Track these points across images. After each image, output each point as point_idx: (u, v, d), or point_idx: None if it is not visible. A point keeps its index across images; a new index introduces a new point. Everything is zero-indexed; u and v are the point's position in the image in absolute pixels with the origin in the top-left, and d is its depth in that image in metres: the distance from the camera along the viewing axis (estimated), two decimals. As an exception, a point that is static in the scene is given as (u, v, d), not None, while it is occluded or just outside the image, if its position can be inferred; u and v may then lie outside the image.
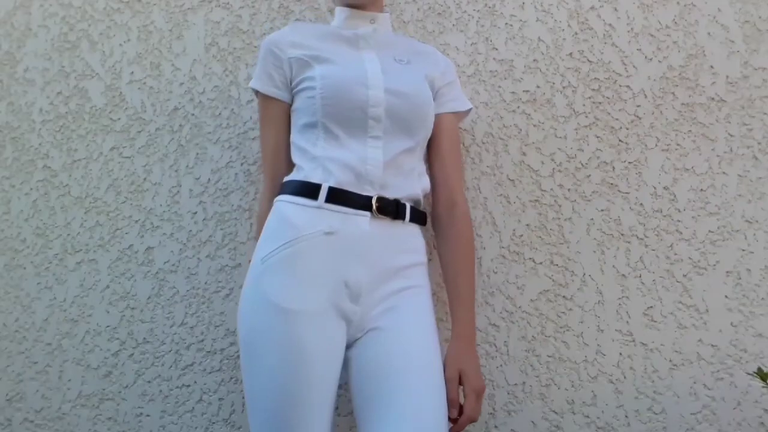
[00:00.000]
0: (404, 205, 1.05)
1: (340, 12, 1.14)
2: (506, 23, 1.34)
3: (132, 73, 1.46)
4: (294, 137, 1.08)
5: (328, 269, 0.97)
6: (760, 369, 1.04)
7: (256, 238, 1.06)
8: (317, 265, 0.96)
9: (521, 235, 1.28)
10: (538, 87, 1.32)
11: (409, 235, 1.06)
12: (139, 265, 1.38)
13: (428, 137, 1.12)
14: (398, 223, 1.04)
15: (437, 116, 1.12)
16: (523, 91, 1.32)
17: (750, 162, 1.25)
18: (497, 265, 1.27)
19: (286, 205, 1.02)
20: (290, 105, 1.10)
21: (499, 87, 1.33)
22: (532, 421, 1.22)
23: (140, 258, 1.39)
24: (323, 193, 0.99)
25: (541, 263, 1.27)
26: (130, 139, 1.43)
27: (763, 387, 1.10)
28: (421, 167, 1.11)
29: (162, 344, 1.35)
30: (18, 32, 1.52)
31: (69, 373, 1.37)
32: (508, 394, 1.23)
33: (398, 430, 0.88)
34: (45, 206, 1.44)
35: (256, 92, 1.13)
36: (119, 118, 1.45)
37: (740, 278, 1.22)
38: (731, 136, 1.26)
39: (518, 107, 1.32)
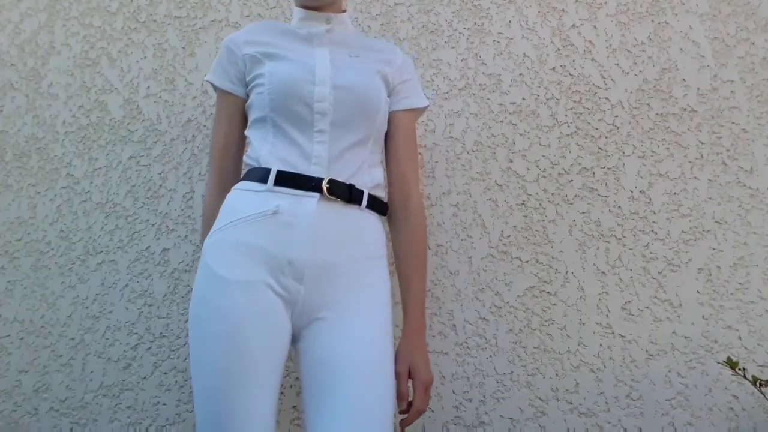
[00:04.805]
0: (360, 191, 1.00)
1: (297, 12, 1.12)
2: (494, 40, 1.40)
3: (148, 87, 1.50)
4: (248, 132, 1.07)
5: (271, 245, 0.93)
6: (729, 358, 1.09)
7: (202, 241, 1.05)
8: (260, 240, 0.94)
9: (509, 236, 1.32)
10: (523, 99, 1.37)
11: (366, 224, 1.02)
12: (155, 265, 1.41)
13: (382, 131, 1.08)
14: (352, 208, 1.00)
15: (393, 113, 1.09)
16: (510, 102, 1.38)
17: (719, 167, 1.31)
18: (486, 263, 1.31)
19: (236, 192, 1.01)
20: (245, 101, 1.08)
21: (488, 99, 1.38)
22: (519, 408, 1.25)
23: (157, 258, 1.41)
24: (272, 177, 0.97)
25: (527, 262, 1.31)
26: (146, 148, 1.47)
27: (732, 375, 1.17)
28: (373, 160, 1.06)
29: (177, 338, 1.37)
30: (42, 50, 1.57)
31: (91, 365, 1.39)
32: (497, 382, 1.26)
33: (336, 421, 0.85)
34: (68, 211, 1.47)
35: (214, 88, 1.11)
36: (137, 129, 1.49)
37: (711, 275, 1.26)
38: (702, 143, 1.31)
39: (505, 118, 1.37)
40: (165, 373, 1.37)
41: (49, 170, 1.51)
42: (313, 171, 0.98)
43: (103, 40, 1.55)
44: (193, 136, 1.47)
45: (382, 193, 1.07)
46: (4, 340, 1.44)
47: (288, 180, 0.97)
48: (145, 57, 1.52)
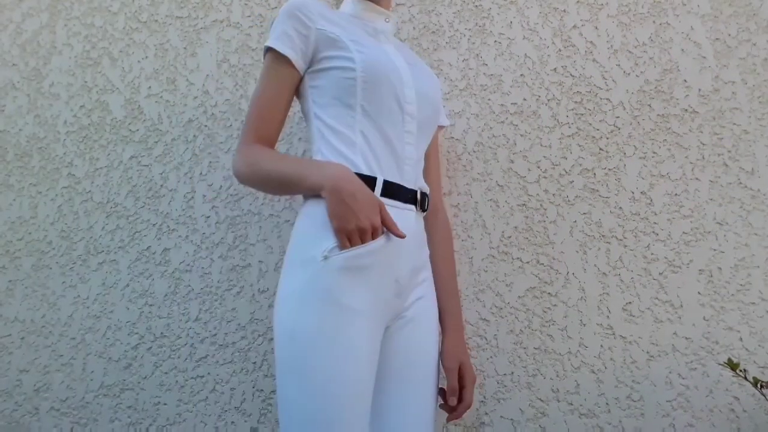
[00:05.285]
0: (426, 196, 1.03)
1: (357, 2, 1.04)
2: (495, 41, 1.40)
3: (149, 87, 1.50)
4: (318, 112, 0.96)
5: (385, 266, 0.90)
6: (730, 360, 1.07)
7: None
8: (377, 263, 0.88)
9: (509, 237, 1.31)
10: (524, 100, 1.37)
11: (423, 227, 1.07)
12: (156, 265, 1.41)
13: None
14: (422, 215, 1.04)
15: None
16: (511, 103, 1.37)
17: (720, 168, 1.30)
18: (487, 264, 1.31)
19: None
20: (301, 78, 0.98)
21: (489, 100, 1.37)
22: (520, 408, 1.24)
23: (157, 258, 1.41)
24: (379, 187, 0.91)
25: (527, 262, 1.30)
26: (147, 148, 1.47)
27: (733, 376, 1.16)
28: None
29: (178, 338, 1.37)
30: (44, 50, 1.57)
31: (92, 365, 1.39)
32: (498, 383, 1.26)
33: (398, 417, 0.91)
34: (69, 211, 1.47)
35: (268, 50, 0.98)
36: (138, 129, 1.48)
37: (712, 276, 1.25)
38: (703, 144, 1.31)
39: (506, 118, 1.37)
40: (165, 373, 1.37)
41: (51, 170, 1.50)
42: (405, 175, 0.96)
43: (105, 40, 1.55)
44: (194, 136, 1.47)
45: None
46: (5, 340, 1.44)
47: (391, 191, 0.93)
48: (146, 57, 1.52)
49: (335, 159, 0.92)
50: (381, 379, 0.93)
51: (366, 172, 0.91)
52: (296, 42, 0.95)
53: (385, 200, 0.91)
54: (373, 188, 0.90)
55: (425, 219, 1.12)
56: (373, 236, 0.87)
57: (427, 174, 1.14)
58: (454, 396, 1.00)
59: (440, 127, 1.21)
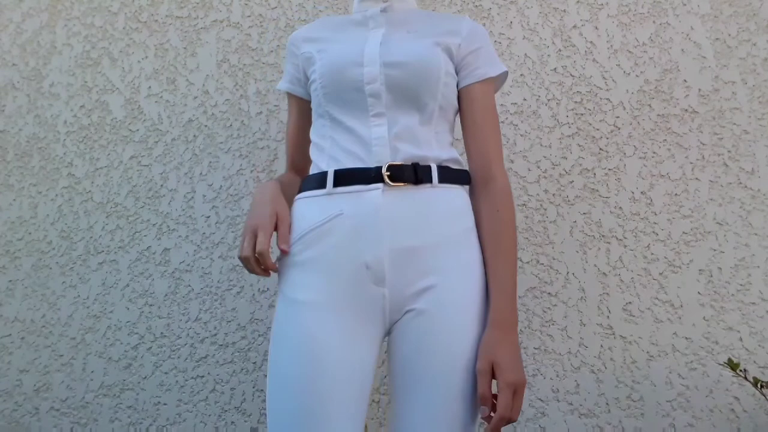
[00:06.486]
0: (427, 167, 0.91)
1: None
2: (495, 41, 1.40)
3: (149, 87, 1.50)
4: (311, 134, 1.00)
5: (343, 254, 0.87)
6: (730, 360, 1.08)
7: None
8: (330, 253, 0.87)
9: None
10: (524, 100, 1.37)
11: (443, 199, 0.91)
12: (156, 265, 1.41)
13: (448, 107, 0.97)
14: (424, 187, 0.90)
15: (466, 88, 0.98)
16: (511, 103, 1.37)
17: (720, 168, 1.30)
18: None
19: (299, 201, 0.95)
20: (309, 101, 1.02)
21: None
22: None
23: (157, 258, 1.41)
24: (330, 179, 0.90)
25: (528, 262, 1.31)
26: (148, 148, 1.47)
27: (733, 376, 1.17)
28: (441, 139, 0.95)
29: (178, 338, 1.37)
30: (44, 50, 1.57)
31: (92, 365, 1.39)
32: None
33: (415, 419, 0.81)
34: (69, 211, 1.47)
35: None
36: (138, 129, 1.48)
37: (712, 276, 1.26)
38: (703, 144, 1.31)
39: (506, 118, 1.37)
40: (165, 373, 1.37)
41: (50, 170, 1.51)
42: (375, 158, 0.90)
43: (105, 40, 1.55)
44: (194, 136, 1.47)
45: (458, 166, 0.96)
46: (5, 340, 1.44)
47: (347, 177, 0.90)
48: (146, 57, 1.52)
49: (314, 171, 0.96)
50: (391, 382, 0.87)
51: (324, 169, 0.93)
52: (292, 73, 1.04)
53: (339, 188, 0.90)
54: (325, 182, 0.91)
55: (475, 192, 0.96)
56: (260, 264, 0.89)
57: (473, 141, 0.98)
58: (485, 405, 0.82)
59: (488, 83, 0.99)
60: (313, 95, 0.98)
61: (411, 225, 0.88)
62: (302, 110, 1.05)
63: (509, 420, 0.82)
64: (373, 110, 0.92)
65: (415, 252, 0.87)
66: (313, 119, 1.01)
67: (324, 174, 0.92)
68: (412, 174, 0.89)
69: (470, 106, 0.98)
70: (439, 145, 0.94)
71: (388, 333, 0.89)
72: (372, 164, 0.89)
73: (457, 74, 0.98)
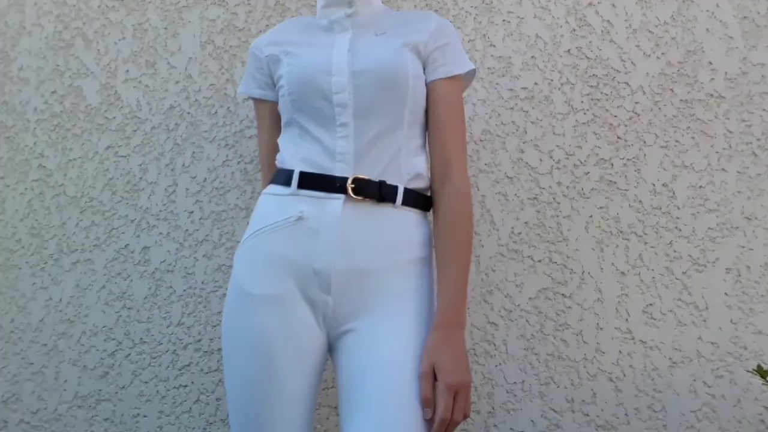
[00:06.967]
0: (393, 187, 0.94)
1: (319, 1, 1.08)
2: (504, 20, 1.34)
3: (127, 71, 1.45)
4: (279, 138, 1.06)
5: (297, 254, 0.92)
6: (759, 366, 1.03)
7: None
8: (285, 250, 0.93)
9: (520, 233, 1.27)
10: (536, 84, 1.31)
11: (403, 224, 0.96)
12: (135, 264, 1.37)
13: (418, 111, 1.00)
14: (386, 207, 0.94)
15: (431, 84, 1.00)
16: (521, 88, 1.32)
17: (749, 158, 1.25)
18: (495, 263, 1.26)
19: (264, 197, 1.00)
20: (277, 104, 1.06)
21: (497, 84, 1.32)
22: (532, 420, 1.21)
23: (136, 258, 1.38)
24: (295, 179, 0.95)
25: (539, 261, 1.26)
26: (125, 138, 1.42)
27: (763, 384, 1.10)
28: (412, 146, 0.99)
29: (159, 344, 1.34)
30: (12, 31, 1.51)
31: (65, 374, 1.36)
32: (507, 392, 1.22)
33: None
34: (40, 206, 1.43)
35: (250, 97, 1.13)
36: (114, 117, 1.44)
37: (740, 275, 1.21)
38: (730, 132, 1.26)
39: (516, 104, 1.31)
40: (145, 382, 1.34)
41: (19, 161, 1.47)
42: (339, 169, 0.95)
43: (78, 19, 1.49)
44: (176, 124, 1.42)
45: (423, 185, 0.99)
46: (-31, 347, 1.41)
47: (311, 182, 0.95)
48: (123, 38, 1.46)
49: (283, 166, 1.01)
50: (339, 399, 0.90)
51: (287, 166, 0.98)
52: (260, 79, 1.08)
53: (303, 191, 0.95)
54: (291, 181, 0.96)
55: (433, 192, 1.00)
56: None
57: (434, 139, 1.00)
58: (428, 407, 0.85)
59: (453, 81, 1.01)
60: (281, 101, 1.03)
61: (365, 246, 0.93)
62: (272, 112, 1.09)
63: (453, 422, 0.85)
64: (339, 120, 0.96)
65: (363, 274, 0.92)
66: (282, 125, 1.06)
67: (290, 173, 0.97)
68: (377, 191, 0.94)
69: (434, 104, 1.01)
70: (407, 154, 0.98)
71: (330, 349, 0.95)
72: (337, 174, 0.94)
73: (423, 71, 1.01)
